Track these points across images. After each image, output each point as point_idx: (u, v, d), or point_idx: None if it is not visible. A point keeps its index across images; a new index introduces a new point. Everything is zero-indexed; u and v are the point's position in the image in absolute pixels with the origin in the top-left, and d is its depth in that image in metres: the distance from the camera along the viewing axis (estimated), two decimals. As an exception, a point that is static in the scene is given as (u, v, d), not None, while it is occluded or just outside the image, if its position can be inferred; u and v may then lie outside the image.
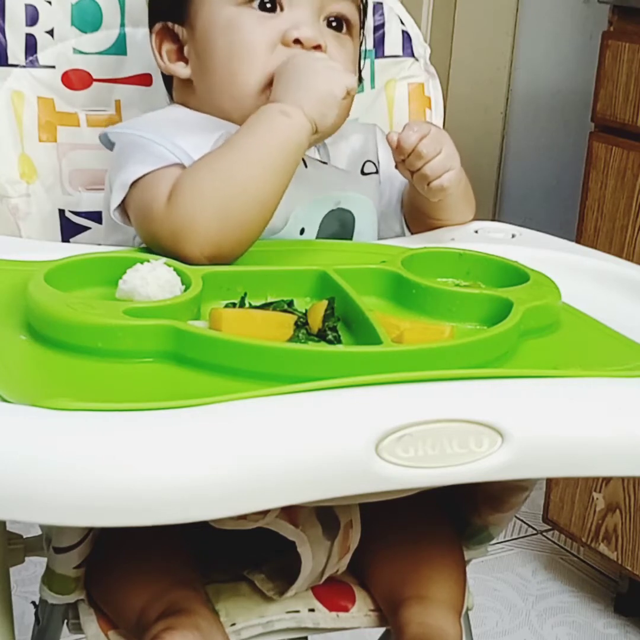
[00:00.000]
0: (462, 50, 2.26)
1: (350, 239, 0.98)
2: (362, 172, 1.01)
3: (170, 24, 0.97)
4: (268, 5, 0.93)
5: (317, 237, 0.95)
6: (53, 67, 1.06)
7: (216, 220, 0.82)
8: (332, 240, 0.95)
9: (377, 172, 1.03)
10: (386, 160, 1.00)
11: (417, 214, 1.03)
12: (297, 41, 0.92)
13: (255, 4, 0.93)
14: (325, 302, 0.79)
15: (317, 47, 0.92)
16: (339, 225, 0.97)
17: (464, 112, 2.23)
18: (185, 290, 0.77)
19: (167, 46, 0.98)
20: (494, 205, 2.30)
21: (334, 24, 0.96)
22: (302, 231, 0.94)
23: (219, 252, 0.83)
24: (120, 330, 0.70)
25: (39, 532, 0.97)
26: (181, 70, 0.97)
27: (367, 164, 1.02)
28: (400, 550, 0.95)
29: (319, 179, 0.96)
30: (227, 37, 0.92)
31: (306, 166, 0.95)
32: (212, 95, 0.94)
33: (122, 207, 0.90)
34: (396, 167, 0.95)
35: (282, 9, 0.93)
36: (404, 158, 0.93)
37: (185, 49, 0.96)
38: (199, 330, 0.71)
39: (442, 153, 0.92)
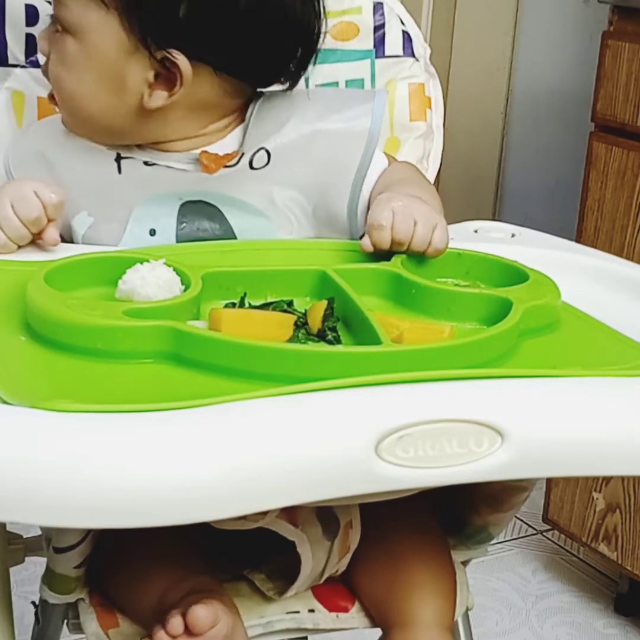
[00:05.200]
0: (462, 50, 2.26)
1: (231, 231, 0.93)
2: (251, 167, 0.94)
3: None
4: None
5: (180, 235, 0.92)
6: (53, 67, 1.06)
7: None
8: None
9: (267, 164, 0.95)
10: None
11: None
12: None
13: None
14: (325, 302, 0.79)
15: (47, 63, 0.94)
16: (207, 220, 0.93)
17: (464, 112, 2.23)
18: (184, 290, 0.77)
19: None
20: (494, 205, 2.30)
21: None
22: (152, 232, 0.93)
23: None
24: (119, 331, 0.70)
25: (39, 532, 0.97)
26: None
27: (259, 153, 0.94)
28: (384, 561, 0.95)
29: (143, 180, 0.93)
30: None
31: (120, 172, 0.93)
32: None
33: None
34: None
35: None
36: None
37: None
38: (199, 331, 0.71)
39: (419, 223, 0.86)
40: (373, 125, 0.95)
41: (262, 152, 0.94)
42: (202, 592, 0.85)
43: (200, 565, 0.92)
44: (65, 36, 0.91)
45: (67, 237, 0.93)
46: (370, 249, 0.86)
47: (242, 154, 0.94)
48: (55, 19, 0.92)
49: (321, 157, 0.94)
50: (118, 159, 0.94)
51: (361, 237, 0.89)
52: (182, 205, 0.93)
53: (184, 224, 0.93)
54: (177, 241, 0.93)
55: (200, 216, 0.93)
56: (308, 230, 0.95)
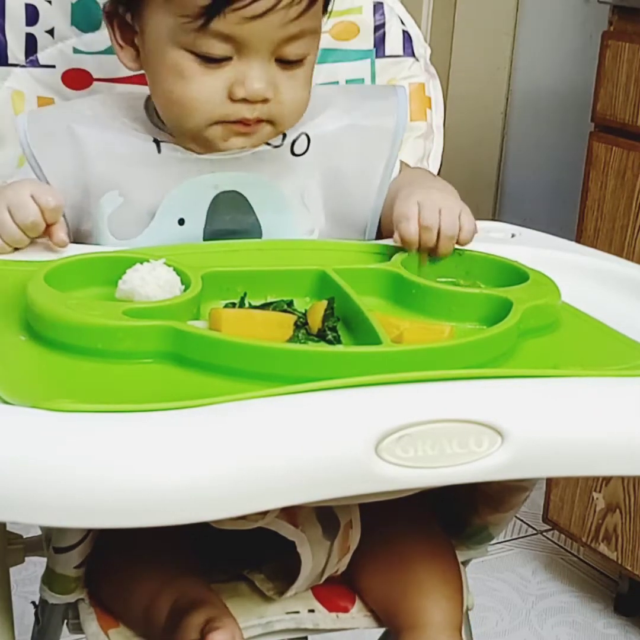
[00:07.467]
0: (462, 50, 2.26)
1: (258, 225, 0.93)
2: (293, 152, 0.95)
3: (121, 8, 0.92)
4: (214, 59, 0.87)
5: (209, 227, 0.92)
6: (53, 66, 1.06)
7: None
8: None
9: (306, 151, 0.95)
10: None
11: None
12: (244, 99, 0.88)
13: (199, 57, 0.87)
14: (325, 302, 0.79)
15: (265, 101, 0.88)
16: (235, 211, 0.93)
17: (464, 112, 2.23)
18: (184, 290, 0.77)
19: (119, 27, 0.93)
20: (494, 205, 2.30)
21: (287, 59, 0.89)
22: (181, 221, 0.92)
23: None
24: (119, 331, 0.70)
25: (39, 532, 0.97)
26: (129, 63, 0.93)
27: (301, 138, 0.95)
28: (390, 562, 0.95)
29: (181, 162, 0.92)
30: (171, 79, 0.88)
31: (160, 151, 0.92)
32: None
33: None
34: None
35: (231, 58, 0.87)
36: (418, 246, 0.88)
37: (137, 39, 0.92)
38: (199, 331, 0.71)
39: (443, 210, 0.86)
40: (398, 123, 0.97)
41: (303, 137, 0.95)
42: (191, 598, 0.85)
43: (192, 566, 0.92)
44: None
45: (80, 222, 0.92)
46: (399, 242, 0.87)
47: (285, 135, 0.94)
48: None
49: (353, 152, 0.96)
50: (156, 141, 0.92)
51: (377, 238, 0.90)
52: (216, 196, 0.92)
53: (215, 216, 0.92)
54: (204, 232, 0.92)
55: (230, 208, 0.93)
56: (327, 230, 0.96)
